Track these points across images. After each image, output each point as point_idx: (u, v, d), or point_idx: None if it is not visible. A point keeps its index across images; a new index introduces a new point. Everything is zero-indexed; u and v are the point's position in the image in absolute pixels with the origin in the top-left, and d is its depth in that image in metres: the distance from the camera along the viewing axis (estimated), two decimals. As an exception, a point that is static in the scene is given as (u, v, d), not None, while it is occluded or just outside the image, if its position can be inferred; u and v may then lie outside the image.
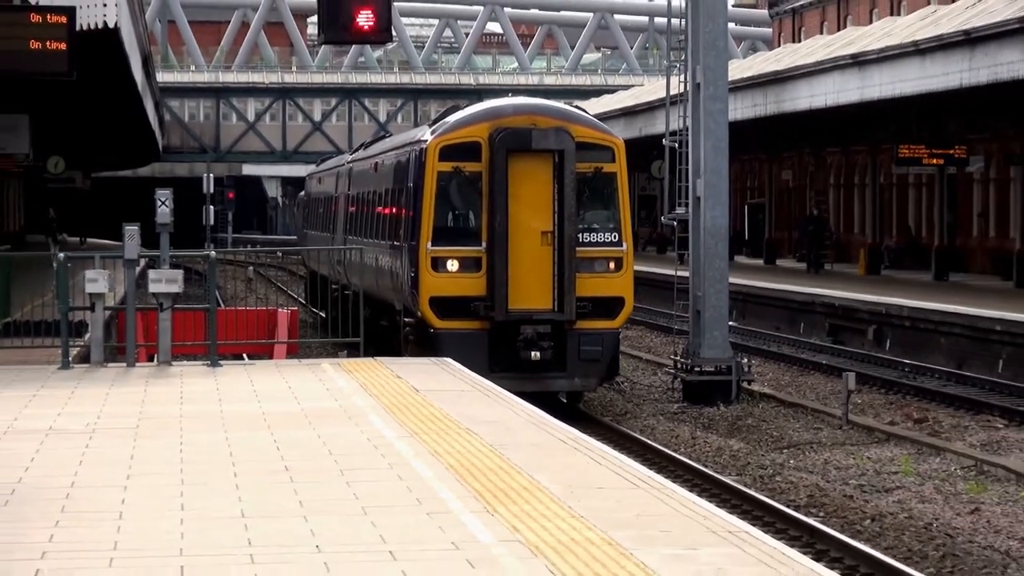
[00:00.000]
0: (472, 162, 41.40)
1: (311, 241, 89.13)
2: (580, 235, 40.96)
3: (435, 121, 46.30)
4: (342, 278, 66.23)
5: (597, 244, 41.52)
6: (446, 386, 35.13)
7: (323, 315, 65.42)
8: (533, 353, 39.67)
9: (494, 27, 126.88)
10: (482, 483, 23.08)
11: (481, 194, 41.22)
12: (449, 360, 41.74)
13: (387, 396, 33.30)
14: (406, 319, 45.22)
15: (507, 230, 39.93)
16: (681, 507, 21.43)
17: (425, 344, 40.40)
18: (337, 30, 52.84)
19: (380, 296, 53.95)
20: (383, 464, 25.05)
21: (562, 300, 40.06)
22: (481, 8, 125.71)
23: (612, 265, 42.02)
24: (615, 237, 42.05)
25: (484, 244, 40.96)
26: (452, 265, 41.03)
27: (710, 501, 24.30)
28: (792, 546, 20.36)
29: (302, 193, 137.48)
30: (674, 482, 24.07)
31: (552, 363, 40.40)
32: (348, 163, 73.26)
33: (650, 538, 19.16)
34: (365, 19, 52.40)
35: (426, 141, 42.76)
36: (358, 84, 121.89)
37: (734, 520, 20.79)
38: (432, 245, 41.07)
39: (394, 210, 48.67)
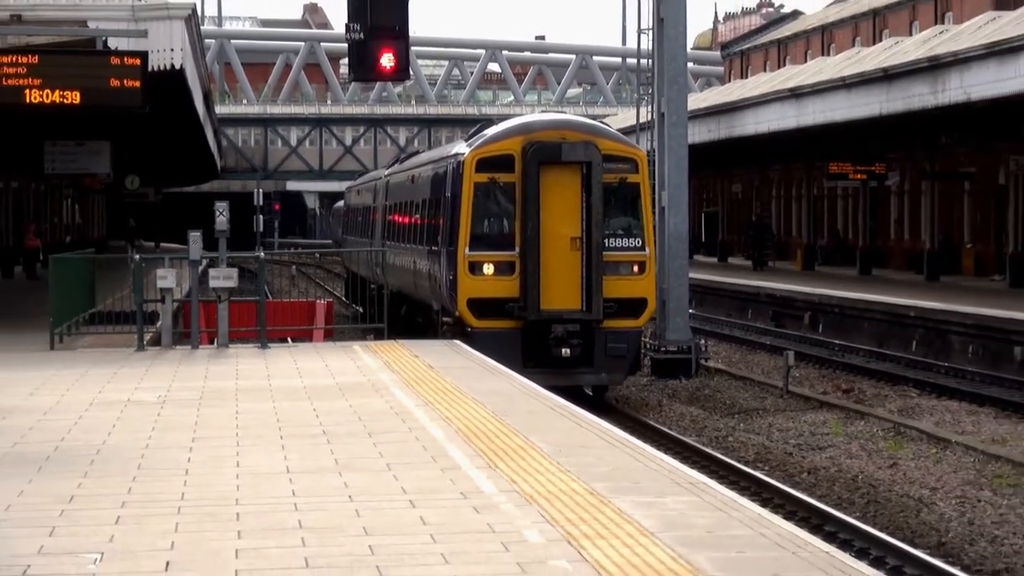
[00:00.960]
0: (506, 173, 39.32)
1: (350, 246, 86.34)
2: (606, 240, 38.96)
3: (470, 136, 44.02)
4: (380, 279, 60.98)
5: (622, 249, 39.42)
6: (455, 364, 35.13)
7: (360, 309, 65.77)
8: (564, 350, 37.82)
9: (494, 67, 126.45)
10: (485, 444, 23.18)
11: (514, 202, 39.02)
12: (458, 342, 41.55)
13: (407, 372, 33.35)
14: (444, 319, 42.48)
15: (539, 236, 37.98)
16: (650, 463, 21.56)
17: (462, 341, 37.32)
18: (364, 70, 52.84)
19: (417, 296, 51.52)
20: (403, 428, 25.12)
21: (590, 301, 37.97)
22: (483, 51, 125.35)
23: (636, 268, 39.82)
24: (638, 242, 39.98)
25: (517, 249, 38.74)
26: (488, 269, 38.75)
27: (674, 458, 24.32)
28: (742, 495, 20.46)
29: (339, 204, 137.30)
30: (644, 443, 24.02)
31: (581, 359, 38.32)
32: (384, 177, 69.99)
33: (624, 488, 19.26)
34: (387, 61, 52.34)
35: (463, 154, 40.55)
36: (382, 115, 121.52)
37: (694, 473, 20.93)
38: (469, 250, 38.84)
39: (431, 218, 46.03)
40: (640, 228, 39.82)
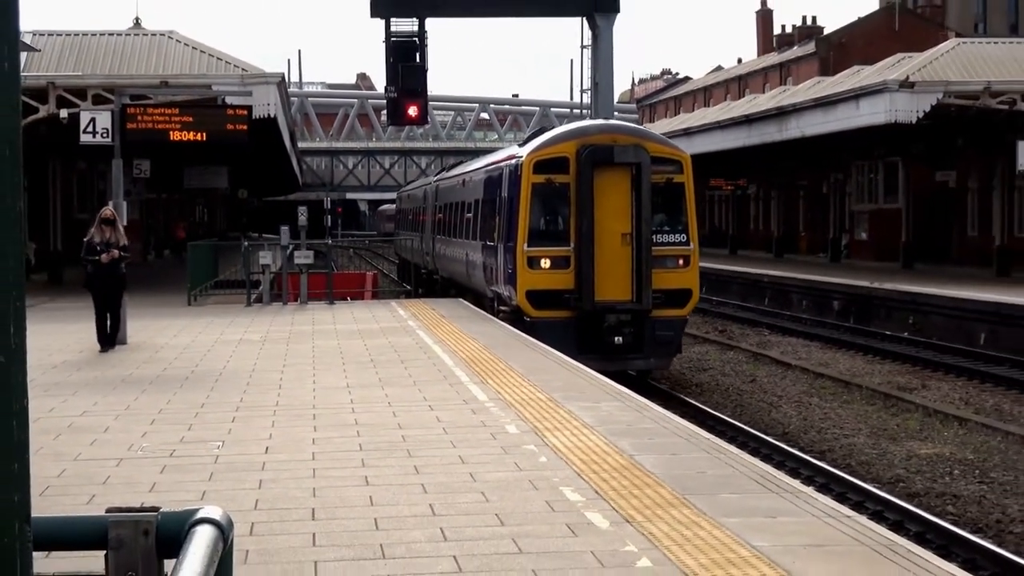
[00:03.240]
0: (561, 174, 32.36)
1: (403, 239, 75.55)
2: (653, 236, 32.42)
3: (526, 141, 37.49)
4: (430, 265, 56.60)
5: (668, 244, 32.63)
6: (458, 314, 35.18)
7: (408, 287, 58.38)
8: (616, 338, 31.42)
9: (484, 115, 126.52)
10: (480, 367, 23.22)
11: (569, 201, 32.25)
12: (461, 300, 41.61)
13: (426, 320, 33.39)
14: (501, 307, 35.14)
15: (593, 232, 31.59)
16: (591, 381, 21.61)
17: (519, 328, 31.49)
18: (397, 118, 53.12)
19: (470, 284, 43.03)
20: (424, 357, 25.14)
21: (640, 292, 31.60)
22: (477, 105, 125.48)
23: (681, 262, 32.88)
24: (683, 238, 32.94)
25: (572, 244, 31.98)
26: (545, 263, 32.08)
27: (606, 378, 24.38)
28: (652, 401, 20.49)
29: (382, 208, 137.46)
30: (585, 367, 24.21)
31: (632, 346, 31.90)
32: (433, 183, 62.00)
33: (572, 397, 19.32)
34: (412, 112, 52.29)
35: (521, 157, 33.48)
36: (409, 148, 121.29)
37: (619, 387, 20.93)
38: (528, 246, 32.13)
39: (486, 216, 38.57)
40: (684, 224, 33.10)
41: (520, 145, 37.64)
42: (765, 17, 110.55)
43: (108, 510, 3.49)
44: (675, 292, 32.31)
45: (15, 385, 2.22)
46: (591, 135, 32.83)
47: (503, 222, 34.43)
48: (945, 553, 15.13)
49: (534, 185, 32.20)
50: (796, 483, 13.50)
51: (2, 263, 2.23)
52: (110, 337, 26.12)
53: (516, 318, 32.64)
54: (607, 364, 28.68)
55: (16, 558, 2.21)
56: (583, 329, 31.51)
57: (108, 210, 26.83)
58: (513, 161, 34.39)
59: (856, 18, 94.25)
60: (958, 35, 70.06)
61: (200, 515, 3.42)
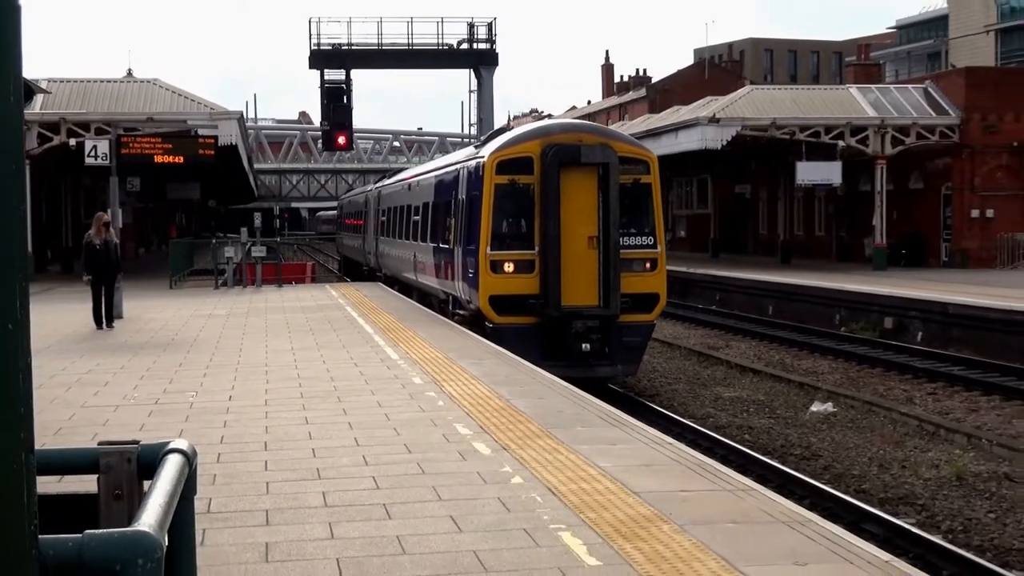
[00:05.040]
0: (525, 175, 25.04)
1: (346, 239, 68.61)
2: (620, 238, 25.50)
3: (484, 142, 29.06)
4: (371, 263, 49.91)
5: (635, 247, 25.59)
6: (377, 294, 35.07)
7: (347, 279, 54.67)
8: (584, 345, 24.36)
9: (396, 143, 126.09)
10: (393, 334, 23.16)
11: (534, 203, 25.07)
12: (380, 284, 41.43)
13: (353, 298, 33.24)
14: (457, 311, 27.79)
15: (559, 235, 24.59)
16: (478, 343, 21.63)
17: (480, 334, 24.58)
18: (329, 145, 53.06)
19: (418, 283, 34.73)
20: (350, 327, 25.03)
21: (608, 297, 24.59)
22: (391, 136, 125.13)
23: (648, 265, 25.79)
24: (651, 240, 25.82)
25: (537, 248, 24.89)
26: (508, 267, 25.06)
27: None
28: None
29: (321, 213, 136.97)
30: (473, 333, 24.17)
31: (598, 353, 24.70)
32: (375, 190, 52.16)
33: (463, 355, 19.32)
34: (342, 140, 52.25)
35: (483, 157, 26.10)
36: (339, 167, 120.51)
37: (498, 348, 20.96)
38: (491, 249, 25.03)
39: (439, 218, 30.90)
40: (652, 227, 25.95)
41: (477, 147, 29.96)
42: (608, 69, 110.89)
43: (100, 443, 3.55)
44: (642, 297, 25.27)
45: (21, 347, 2.25)
46: (555, 134, 25.39)
47: (461, 224, 27.20)
48: (744, 470, 15.27)
49: (497, 186, 25.03)
50: (631, 419, 13.59)
51: (9, 253, 2.23)
52: (107, 316, 25.79)
53: (475, 323, 25.73)
54: (573, 371, 22.30)
55: (23, 481, 2.26)
56: (548, 335, 24.37)
57: (104, 215, 26.63)
58: (473, 162, 27.11)
59: (676, 70, 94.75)
60: (751, 83, 70.63)
61: (171, 447, 3.48)
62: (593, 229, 24.35)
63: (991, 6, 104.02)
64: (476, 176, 25.98)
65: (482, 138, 30.48)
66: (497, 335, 23.59)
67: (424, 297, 33.11)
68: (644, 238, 25.35)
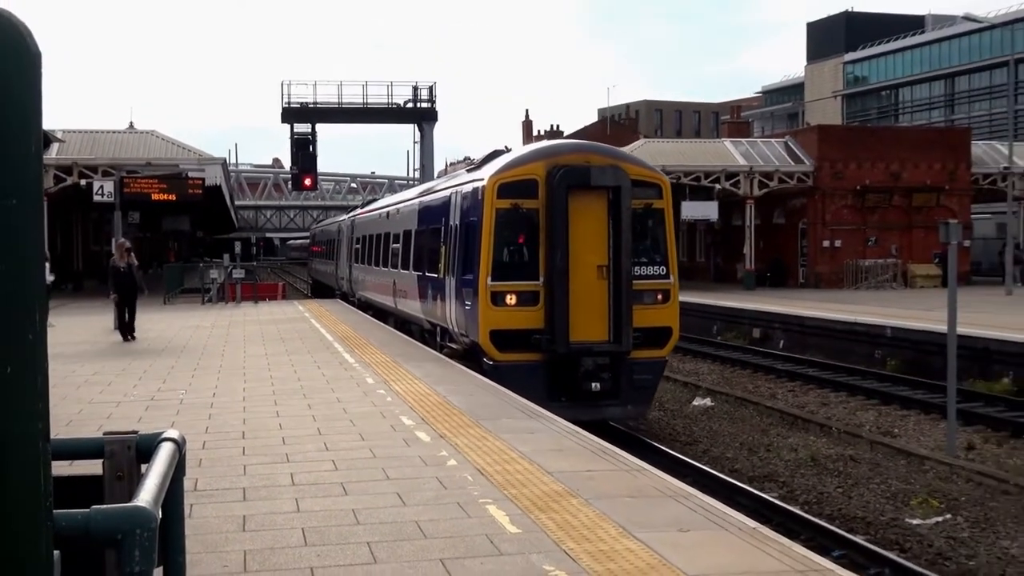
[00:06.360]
0: (529, 199, 18.85)
1: (317, 264, 62.28)
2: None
3: (480, 164, 22.37)
4: (344, 288, 43.60)
5: (647, 277, 19.32)
6: (338, 309, 34.87)
7: (318, 299, 48.20)
8: (594, 384, 18.35)
9: (353, 184, 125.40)
10: (350, 342, 22.98)
11: (538, 229, 18.86)
12: (339, 301, 41.13)
13: (316, 313, 33.00)
14: (449, 344, 21.46)
15: (567, 265, 18.49)
16: (419, 350, 21.47)
17: (477, 371, 18.41)
18: (297, 186, 52.50)
19: (391, 309, 29.08)
20: (314, 336, 24.79)
21: (619, 332, 18.54)
22: (349, 178, 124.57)
23: (660, 297, 19.44)
24: (663, 270, 19.50)
25: (542, 278, 18.66)
26: (510, 299, 18.73)
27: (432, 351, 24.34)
28: (457, 364, 20.49)
29: (291, 242, 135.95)
30: (417, 342, 24.07)
31: (608, 392, 18.60)
32: (348, 219, 45.10)
33: (407, 359, 19.23)
34: (308, 182, 51.89)
35: (483, 180, 19.56)
36: (306, 204, 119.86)
37: (436, 354, 20.84)
38: (492, 280, 18.73)
39: (424, 246, 24.51)
40: (664, 255, 19.58)
41: (470, 170, 23.37)
42: (528, 124, 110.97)
43: (104, 433, 3.55)
44: (654, 331, 19.21)
45: (39, 354, 2.26)
46: (562, 154, 19.27)
47: (455, 252, 20.92)
48: (638, 454, 15.33)
49: (498, 211, 18.97)
50: (547, 412, 13.60)
51: (29, 277, 2.24)
52: (129, 328, 25.08)
53: (469, 358, 19.90)
54: (580, 412, 17.63)
55: (40, 465, 2.26)
56: (554, 374, 18.58)
57: (127, 242, 26.17)
58: (469, 186, 20.71)
59: (584, 126, 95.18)
60: (645, 137, 71.01)
61: (164, 435, 3.47)
62: (603, 258, 18.75)
63: (839, 75, 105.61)
64: (474, 200, 19.90)
65: (475, 161, 24.59)
66: (497, 374, 17.95)
67: (403, 324, 27.61)
68: (656, 268, 19.51)
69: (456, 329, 20.46)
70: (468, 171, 23.20)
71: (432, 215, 23.95)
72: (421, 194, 27.26)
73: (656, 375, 19.24)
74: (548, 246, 18.51)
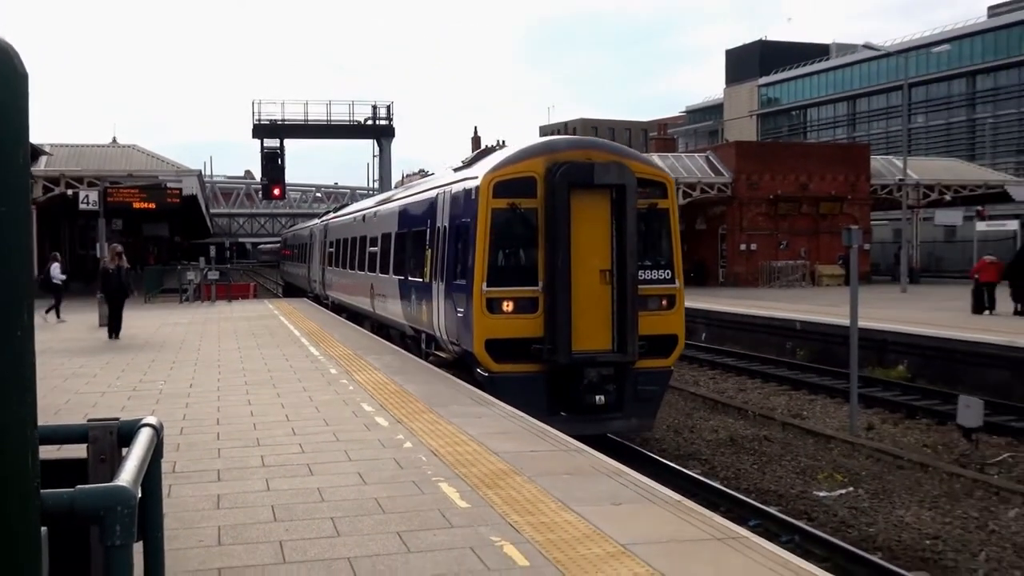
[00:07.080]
0: (527, 198, 15.50)
1: (289, 267, 58.18)
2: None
3: (467, 164, 18.93)
4: (317, 290, 40.02)
5: (652, 282, 16.07)
6: (305, 307, 34.62)
7: (287, 298, 45.83)
8: (598, 397, 15.30)
9: (318, 194, 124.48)
10: (315, 336, 22.82)
11: (537, 231, 15.53)
12: (306, 300, 40.80)
13: (285, 310, 32.77)
14: (436, 351, 18.41)
15: (569, 269, 15.32)
16: (377, 342, 21.38)
17: (469, 382, 15.47)
18: (267, 195, 52.11)
19: (368, 312, 26.28)
20: (283, 331, 24.61)
21: (624, 340, 15.41)
22: (314, 188, 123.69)
23: (665, 302, 16.18)
24: (668, 275, 16.23)
25: (541, 284, 15.41)
26: (507, 306, 15.45)
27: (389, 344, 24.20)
28: (417, 358, 20.38)
29: (262, 246, 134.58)
30: (378, 336, 23.95)
31: (612, 405, 15.54)
32: (321, 224, 41.20)
33: (368, 352, 19.16)
34: (277, 192, 51.58)
35: (476, 178, 16.15)
36: (275, 211, 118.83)
37: (396, 348, 20.76)
38: (487, 286, 15.44)
39: (406, 249, 21.23)
40: (669, 259, 16.37)
41: (457, 169, 19.86)
42: (476, 139, 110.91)
43: (88, 420, 3.52)
44: (659, 339, 16.15)
45: (27, 348, 2.23)
46: (561, 151, 15.91)
47: (442, 256, 17.78)
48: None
49: (494, 211, 15.73)
50: (494, 399, 13.58)
51: (19, 277, 2.22)
52: (116, 327, 24.59)
53: (459, 366, 17.12)
54: (582, 426, 15.24)
55: (28, 449, 2.24)
56: (554, 385, 15.60)
57: (119, 247, 25.73)
58: (459, 185, 17.38)
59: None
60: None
61: (144, 422, 3.45)
62: (606, 262, 15.74)
63: (754, 97, 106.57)
64: (466, 200, 16.66)
65: (465, 159, 20.25)
66: (493, 386, 15.25)
67: (380, 328, 24.99)
68: (661, 272, 16.38)
69: (445, 337, 17.42)
70: (455, 170, 19.94)
71: (415, 217, 20.80)
72: (401, 196, 24.13)
73: (662, 386, 16.40)
74: (548, 248, 15.52)
